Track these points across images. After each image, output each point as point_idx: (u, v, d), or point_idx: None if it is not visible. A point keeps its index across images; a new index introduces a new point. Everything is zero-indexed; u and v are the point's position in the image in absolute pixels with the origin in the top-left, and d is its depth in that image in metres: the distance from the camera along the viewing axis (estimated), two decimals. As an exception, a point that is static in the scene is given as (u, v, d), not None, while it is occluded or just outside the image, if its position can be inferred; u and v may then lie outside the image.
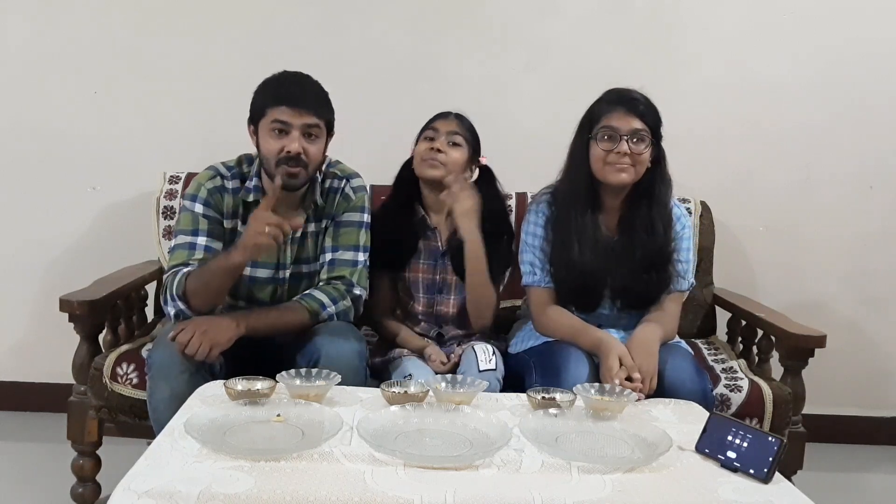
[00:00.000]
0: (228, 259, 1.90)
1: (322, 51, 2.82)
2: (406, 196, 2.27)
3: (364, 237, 2.14)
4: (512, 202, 2.60)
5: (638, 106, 2.01)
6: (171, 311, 1.98)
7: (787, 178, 2.93)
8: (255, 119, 2.03)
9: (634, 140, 2.00)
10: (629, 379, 1.88)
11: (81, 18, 2.82)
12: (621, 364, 1.91)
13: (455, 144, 2.18)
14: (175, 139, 2.85)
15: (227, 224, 2.08)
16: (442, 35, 2.86)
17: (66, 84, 2.85)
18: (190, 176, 2.57)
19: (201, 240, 2.03)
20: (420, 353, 2.16)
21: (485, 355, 2.07)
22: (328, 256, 2.11)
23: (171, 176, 2.62)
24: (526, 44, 2.87)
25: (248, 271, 2.10)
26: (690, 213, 2.60)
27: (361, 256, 2.12)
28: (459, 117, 2.22)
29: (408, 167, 2.27)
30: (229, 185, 2.08)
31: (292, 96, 1.98)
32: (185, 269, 1.97)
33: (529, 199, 2.56)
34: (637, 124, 2.00)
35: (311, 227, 2.13)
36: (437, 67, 2.86)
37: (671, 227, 2.10)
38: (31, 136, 2.88)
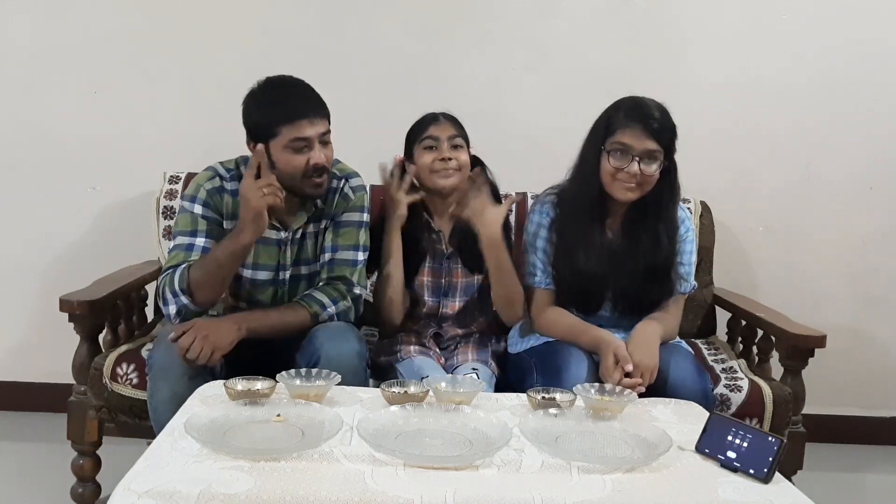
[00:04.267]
0: (236, 241, 1.90)
1: (322, 51, 2.82)
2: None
3: (364, 237, 2.13)
4: (512, 202, 2.59)
5: (653, 125, 1.97)
6: (172, 309, 1.96)
7: (787, 178, 2.93)
8: (263, 137, 1.97)
9: (647, 161, 1.98)
10: (628, 375, 1.88)
11: (81, 19, 2.82)
12: (618, 361, 1.91)
13: (457, 147, 2.16)
14: (175, 139, 2.85)
15: (226, 225, 2.07)
16: (442, 35, 2.86)
17: (66, 84, 2.85)
18: (190, 176, 2.57)
19: (199, 240, 2.01)
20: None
21: (485, 377, 2.04)
22: (328, 256, 2.11)
23: (171, 176, 2.62)
24: (526, 44, 2.87)
25: (248, 273, 2.10)
26: (690, 212, 2.59)
27: (361, 256, 2.11)
28: (449, 117, 2.19)
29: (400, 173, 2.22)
30: (228, 185, 2.07)
31: (304, 110, 1.96)
32: (183, 265, 1.96)
33: (531, 199, 2.57)
34: (651, 145, 1.97)
35: (311, 228, 2.12)
36: (437, 67, 2.86)
37: (675, 240, 2.09)
38: (31, 137, 2.88)
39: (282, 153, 1.96)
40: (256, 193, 1.86)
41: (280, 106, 1.97)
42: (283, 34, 2.84)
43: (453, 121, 2.19)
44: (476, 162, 2.24)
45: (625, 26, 2.86)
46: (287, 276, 2.12)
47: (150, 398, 1.89)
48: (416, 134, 2.18)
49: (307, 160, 1.97)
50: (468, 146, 2.20)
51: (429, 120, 2.18)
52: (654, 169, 1.99)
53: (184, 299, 1.94)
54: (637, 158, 1.97)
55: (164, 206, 2.58)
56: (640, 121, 1.98)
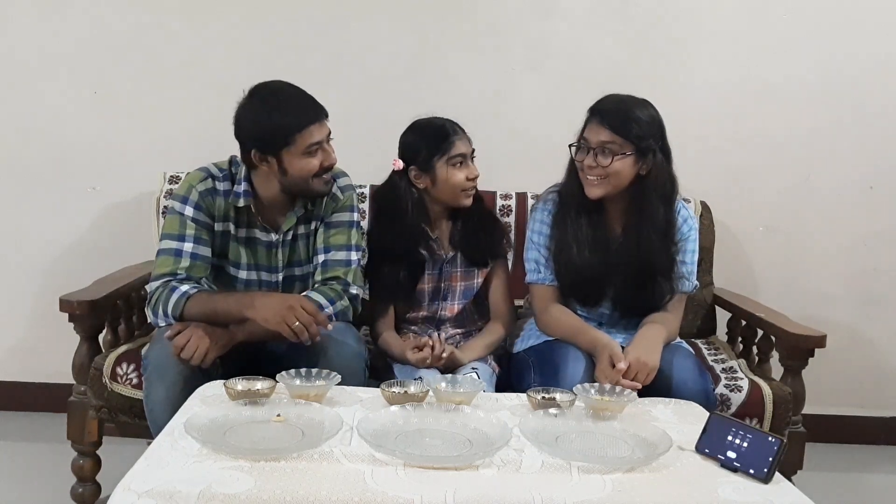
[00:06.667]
0: (241, 312, 1.87)
1: (322, 51, 2.82)
2: (405, 214, 2.17)
3: (356, 236, 2.12)
4: (512, 202, 2.60)
5: (608, 117, 1.98)
6: (160, 322, 1.95)
7: (788, 179, 2.93)
8: (275, 148, 1.94)
9: (602, 153, 1.98)
10: (624, 376, 1.88)
11: (81, 19, 2.82)
12: (614, 365, 1.91)
13: (473, 160, 2.17)
14: (175, 139, 2.85)
15: (217, 227, 2.05)
16: (442, 35, 2.86)
17: (66, 84, 2.85)
18: (190, 177, 2.56)
19: (188, 246, 1.99)
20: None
21: (485, 377, 2.05)
22: (321, 258, 2.09)
23: (171, 176, 2.61)
24: (526, 44, 2.86)
25: (244, 274, 2.10)
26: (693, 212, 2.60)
27: (354, 255, 2.10)
28: (461, 128, 2.17)
29: (400, 182, 2.18)
30: (220, 186, 2.04)
31: (314, 114, 1.95)
32: (183, 289, 1.92)
33: (531, 199, 2.58)
34: (604, 136, 1.97)
35: (301, 229, 2.11)
36: (436, 68, 2.86)
37: (671, 239, 2.08)
38: (31, 137, 2.88)
39: (298, 160, 1.95)
40: (290, 315, 1.81)
41: (292, 114, 1.94)
42: (283, 34, 2.83)
43: (464, 131, 2.18)
44: None
45: (625, 26, 2.86)
46: (280, 278, 2.11)
47: (146, 398, 1.89)
48: (440, 146, 2.12)
49: (320, 162, 1.97)
50: None
51: (450, 132, 2.14)
52: (608, 161, 1.98)
53: (173, 322, 1.92)
54: (593, 150, 1.98)
55: (164, 206, 2.57)
56: (596, 114, 2.01)
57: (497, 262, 2.28)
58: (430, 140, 2.14)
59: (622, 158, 1.98)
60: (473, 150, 2.17)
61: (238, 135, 2.00)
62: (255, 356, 1.94)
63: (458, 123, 2.18)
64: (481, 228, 2.24)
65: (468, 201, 2.17)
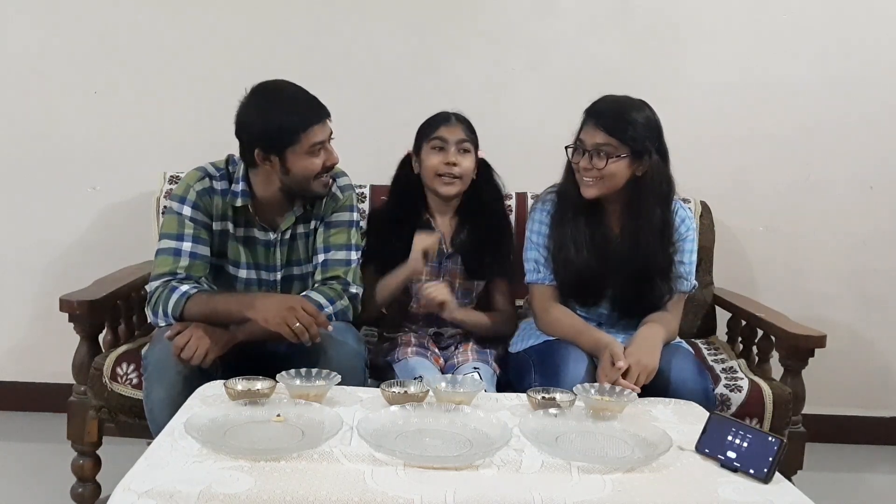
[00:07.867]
0: (241, 312, 1.88)
1: (322, 50, 2.82)
2: (408, 199, 2.25)
3: (355, 236, 2.13)
4: (512, 202, 2.60)
5: (603, 119, 1.98)
6: (160, 322, 1.96)
7: (788, 179, 2.93)
8: (279, 146, 1.94)
9: (598, 155, 1.98)
10: (624, 375, 1.88)
11: (82, 19, 2.82)
12: (614, 363, 1.91)
13: (464, 151, 2.18)
14: (175, 139, 2.85)
15: (215, 226, 2.05)
16: (442, 35, 2.86)
17: (66, 84, 2.85)
18: (190, 176, 2.56)
19: (186, 245, 2.00)
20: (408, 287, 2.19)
21: (486, 377, 2.05)
22: (321, 258, 2.09)
23: (171, 176, 2.61)
24: (526, 44, 2.86)
25: (243, 273, 2.10)
26: (691, 212, 2.59)
27: (354, 255, 2.11)
28: (461, 119, 2.21)
29: (406, 167, 2.26)
30: (218, 186, 2.05)
31: (319, 113, 1.96)
32: (183, 289, 1.92)
33: (531, 199, 2.58)
34: (599, 139, 1.98)
35: (301, 229, 2.11)
36: (436, 67, 2.86)
37: (669, 239, 2.08)
38: (32, 137, 2.88)
39: (301, 159, 1.95)
40: (290, 316, 1.81)
41: (296, 113, 1.94)
42: (283, 34, 2.83)
43: (465, 123, 2.21)
44: (482, 166, 2.25)
45: (625, 26, 2.86)
46: (278, 277, 2.11)
47: (146, 398, 1.89)
48: (426, 131, 2.19)
49: (323, 162, 1.97)
50: (476, 150, 2.22)
51: (441, 119, 2.19)
52: (603, 164, 1.98)
53: (173, 322, 1.92)
54: (589, 152, 1.99)
55: (164, 206, 2.57)
56: (592, 116, 2.02)
57: (497, 278, 2.27)
58: (422, 128, 2.22)
59: (617, 161, 1.98)
60: (464, 141, 2.16)
61: (240, 134, 2.00)
62: (255, 356, 1.93)
63: (460, 116, 2.21)
64: (488, 241, 2.24)
65: (444, 189, 2.17)
